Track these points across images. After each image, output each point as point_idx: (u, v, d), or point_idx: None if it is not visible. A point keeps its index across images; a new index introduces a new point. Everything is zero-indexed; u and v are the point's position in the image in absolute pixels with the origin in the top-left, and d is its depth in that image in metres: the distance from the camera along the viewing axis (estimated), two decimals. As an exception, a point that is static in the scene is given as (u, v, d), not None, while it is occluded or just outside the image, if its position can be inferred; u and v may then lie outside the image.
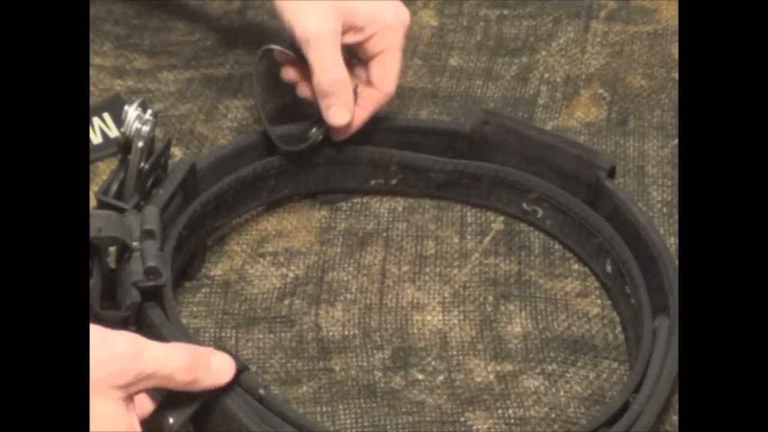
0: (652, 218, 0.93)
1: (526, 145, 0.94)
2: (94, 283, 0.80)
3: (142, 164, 0.84)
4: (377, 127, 0.96)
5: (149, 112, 0.84)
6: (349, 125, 0.94)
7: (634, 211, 0.90)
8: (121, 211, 0.83)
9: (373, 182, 0.97)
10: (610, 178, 0.92)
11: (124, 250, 0.80)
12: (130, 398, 0.72)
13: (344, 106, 0.93)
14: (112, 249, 0.80)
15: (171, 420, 0.74)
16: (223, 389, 0.75)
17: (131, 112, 0.83)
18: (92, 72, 1.03)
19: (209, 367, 0.74)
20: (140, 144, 0.83)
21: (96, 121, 0.99)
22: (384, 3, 0.96)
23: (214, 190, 0.90)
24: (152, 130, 0.84)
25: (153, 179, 0.86)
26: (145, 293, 0.79)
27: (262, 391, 0.77)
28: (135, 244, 0.80)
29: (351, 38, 0.94)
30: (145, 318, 0.79)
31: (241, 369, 0.76)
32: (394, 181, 0.97)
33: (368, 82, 0.95)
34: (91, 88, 1.02)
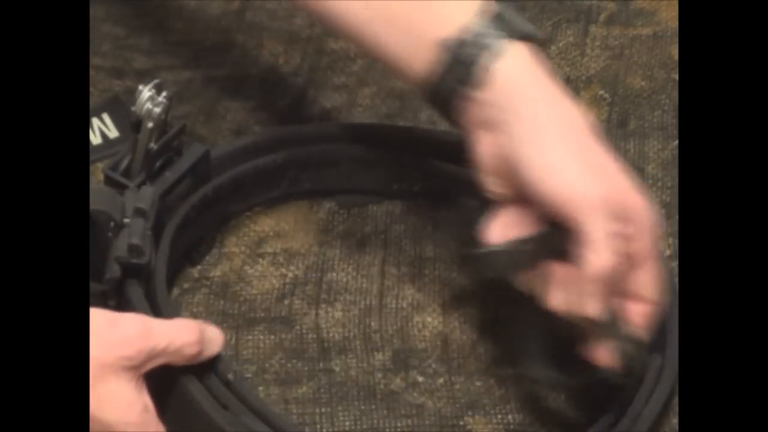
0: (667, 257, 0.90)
1: None
2: None
3: (151, 145, 0.85)
4: (406, 137, 0.95)
5: (164, 94, 0.85)
6: None
7: None
8: (123, 187, 0.83)
9: (395, 186, 0.95)
10: None
11: (116, 225, 0.81)
12: (141, 378, 0.73)
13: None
14: (113, 224, 0.81)
15: None
16: (189, 370, 0.76)
17: (145, 92, 0.84)
18: (91, 72, 1.03)
19: (209, 338, 0.76)
20: (150, 125, 0.84)
21: (95, 122, 0.99)
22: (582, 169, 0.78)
23: (229, 175, 0.90)
24: (164, 112, 0.84)
25: (163, 161, 0.86)
26: (126, 269, 0.80)
27: (230, 376, 0.76)
28: (126, 220, 0.81)
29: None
30: (124, 294, 0.80)
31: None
32: (416, 188, 0.96)
33: None
34: (90, 89, 1.01)
